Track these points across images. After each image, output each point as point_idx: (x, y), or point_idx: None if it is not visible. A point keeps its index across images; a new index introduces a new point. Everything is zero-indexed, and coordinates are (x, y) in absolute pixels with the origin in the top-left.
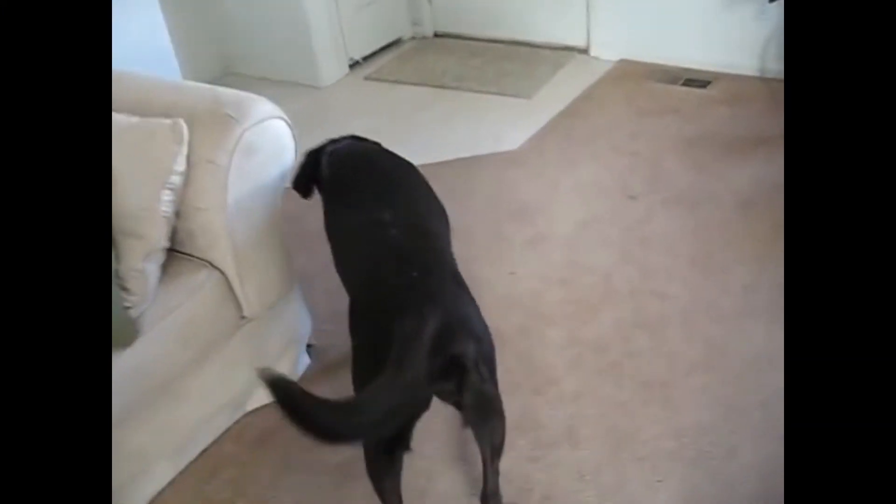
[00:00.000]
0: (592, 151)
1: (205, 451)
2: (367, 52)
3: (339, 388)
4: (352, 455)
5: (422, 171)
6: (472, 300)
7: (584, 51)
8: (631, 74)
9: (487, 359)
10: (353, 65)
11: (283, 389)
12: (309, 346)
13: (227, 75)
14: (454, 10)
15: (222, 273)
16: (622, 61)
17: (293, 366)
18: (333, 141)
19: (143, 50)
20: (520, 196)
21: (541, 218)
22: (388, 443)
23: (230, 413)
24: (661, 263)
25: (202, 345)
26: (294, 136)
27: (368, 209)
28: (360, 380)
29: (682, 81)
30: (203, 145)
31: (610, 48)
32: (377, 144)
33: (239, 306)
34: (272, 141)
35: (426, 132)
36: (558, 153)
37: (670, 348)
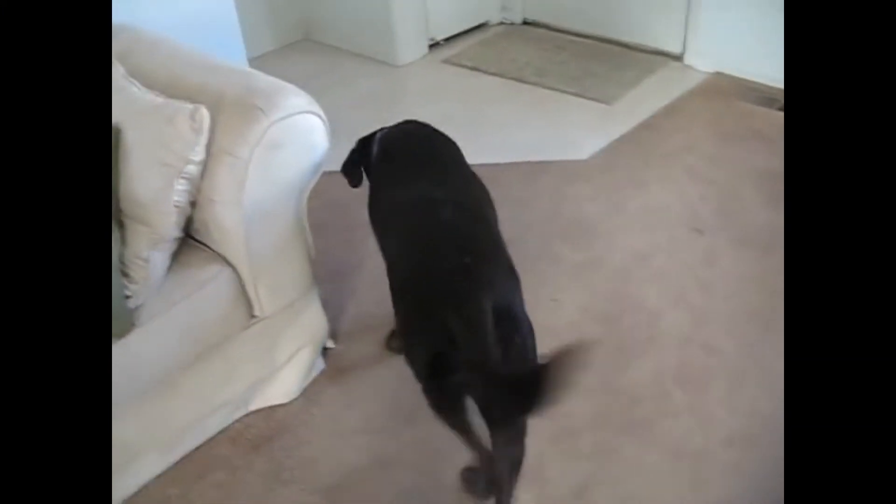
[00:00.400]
0: (666, 173)
1: (198, 448)
2: (450, 33)
3: (347, 397)
4: (347, 476)
5: (483, 172)
6: (520, 290)
7: (679, 58)
8: (724, 90)
9: (529, 353)
10: (434, 45)
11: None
12: (326, 349)
13: (306, 41)
14: None
15: (235, 269)
16: (717, 74)
17: (304, 370)
18: (384, 129)
19: (202, 18)
20: (579, 213)
21: (597, 241)
22: (445, 403)
23: (230, 411)
24: (717, 311)
25: (205, 341)
26: (328, 133)
27: (420, 186)
28: (412, 355)
29: (778, 105)
30: (225, 135)
31: (706, 58)
32: (428, 126)
33: (250, 305)
34: (301, 137)
35: (495, 128)
36: (629, 170)
37: (710, 412)
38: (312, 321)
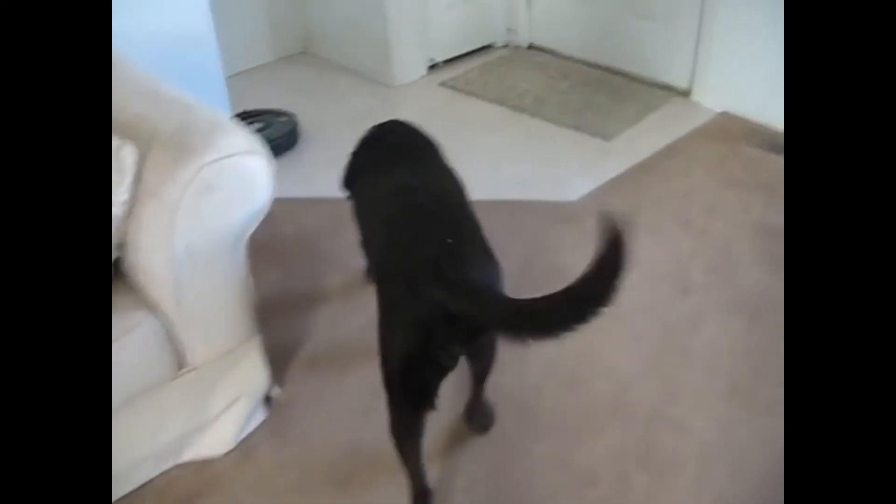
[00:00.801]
0: (657, 221)
1: (119, 501)
2: (451, 54)
3: (284, 452)
4: None
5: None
6: (501, 273)
7: (686, 94)
8: (729, 132)
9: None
10: (433, 66)
11: None
12: (269, 397)
13: (304, 53)
14: (553, 23)
15: (165, 316)
16: (724, 114)
17: (241, 421)
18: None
19: (178, 31)
20: (561, 260)
21: None
22: (415, 402)
23: (157, 463)
24: (693, 384)
25: (128, 390)
26: (273, 174)
27: (400, 175)
28: (386, 341)
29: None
30: (154, 176)
31: (714, 95)
32: (410, 124)
33: (181, 353)
34: (239, 180)
35: (484, 160)
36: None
37: (673, 501)
38: (252, 371)
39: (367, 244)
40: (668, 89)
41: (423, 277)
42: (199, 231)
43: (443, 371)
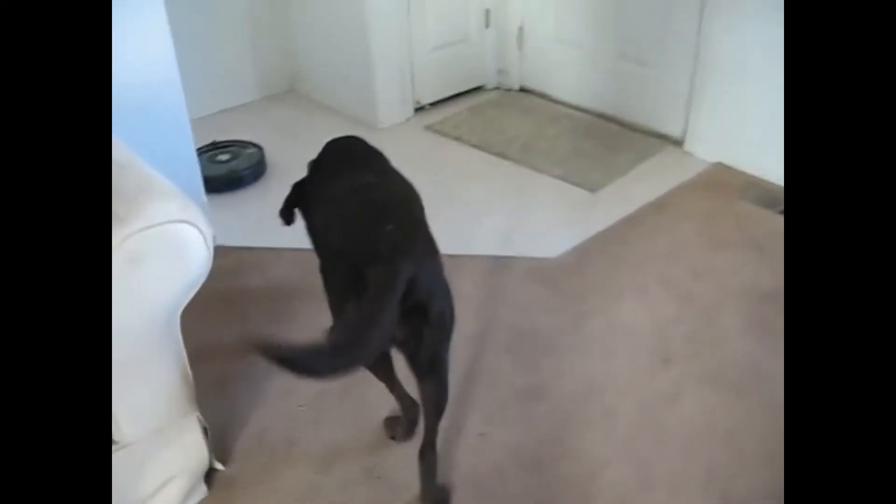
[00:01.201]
0: (640, 283)
1: None
2: (438, 97)
3: None
4: None
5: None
6: (442, 267)
7: (679, 143)
8: (722, 185)
9: (447, 322)
10: (420, 108)
11: (267, 349)
12: (214, 470)
13: (290, 92)
14: (545, 65)
15: None
16: (718, 165)
17: (175, 501)
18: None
19: (146, 72)
20: (532, 325)
21: (545, 362)
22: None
23: None
24: (669, 469)
25: None
26: (209, 243)
27: (349, 177)
28: (336, 325)
29: (779, 209)
30: None
31: (707, 145)
32: (357, 137)
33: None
34: (170, 250)
35: (462, 210)
36: (599, 276)
37: None
38: (188, 449)
39: (317, 239)
40: (662, 138)
41: (361, 262)
42: (127, 305)
43: (377, 346)
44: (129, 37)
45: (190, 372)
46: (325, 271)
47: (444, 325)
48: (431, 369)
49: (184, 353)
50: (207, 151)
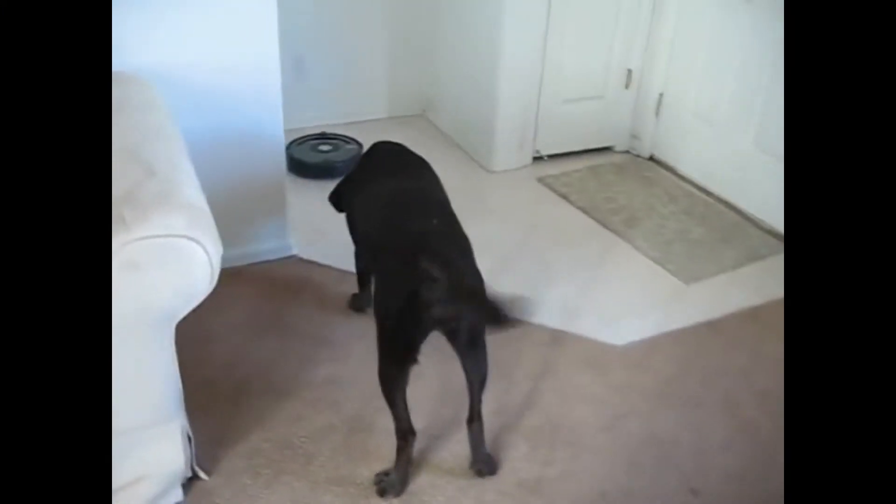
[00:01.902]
0: (698, 397)
1: None
2: (562, 150)
3: None
4: None
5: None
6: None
7: None
8: None
9: (481, 301)
10: (539, 158)
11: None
12: (196, 477)
13: (420, 117)
14: (678, 137)
15: None
16: None
17: (146, 498)
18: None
19: (252, 78)
20: (566, 414)
21: (562, 459)
22: (402, 355)
23: None
24: None
25: None
26: (213, 262)
27: (394, 181)
28: (384, 306)
29: None
30: None
31: None
32: (401, 144)
33: None
34: (170, 263)
35: (539, 272)
36: (657, 379)
37: None
38: (165, 453)
39: (364, 239)
40: (780, 239)
41: (414, 249)
42: (118, 308)
43: (425, 329)
44: (237, 18)
45: (179, 380)
46: (368, 257)
47: (479, 304)
48: (473, 345)
49: (174, 362)
50: (313, 140)
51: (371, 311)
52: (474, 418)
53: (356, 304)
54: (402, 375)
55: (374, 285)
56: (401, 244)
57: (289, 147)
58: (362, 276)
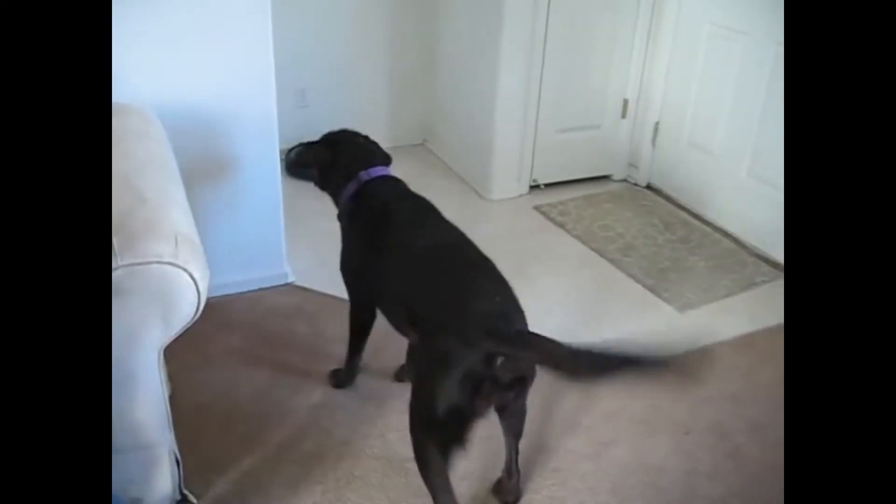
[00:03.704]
0: (686, 425)
1: None
2: (558, 178)
3: None
4: None
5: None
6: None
7: None
8: None
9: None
10: (535, 187)
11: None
12: (186, 501)
13: (421, 146)
14: (675, 166)
15: None
16: None
17: None
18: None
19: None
20: (553, 440)
21: (547, 485)
22: (450, 446)
23: None
24: None
25: None
26: (200, 289)
27: (425, 235)
28: (432, 388)
29: None
30: None
31: None
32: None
33: None
34: (156, 289)
35: (532, 301)
36: (645, 406)
37: None
38: (151, 477)
39: (395, 299)
40: (777, 267)
41: (476, 331)
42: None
43: (479, 418)
44: (234, 51)
45: (167, 404)
46: (396, 316)
47: (531, 381)
48: (520, 415)
49: (160, 386)
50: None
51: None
52: (513, 472)
53: (348, 380)
54: (447, 464)
55: (416, 359)
56: (460, 322)
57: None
58: (362, 336)
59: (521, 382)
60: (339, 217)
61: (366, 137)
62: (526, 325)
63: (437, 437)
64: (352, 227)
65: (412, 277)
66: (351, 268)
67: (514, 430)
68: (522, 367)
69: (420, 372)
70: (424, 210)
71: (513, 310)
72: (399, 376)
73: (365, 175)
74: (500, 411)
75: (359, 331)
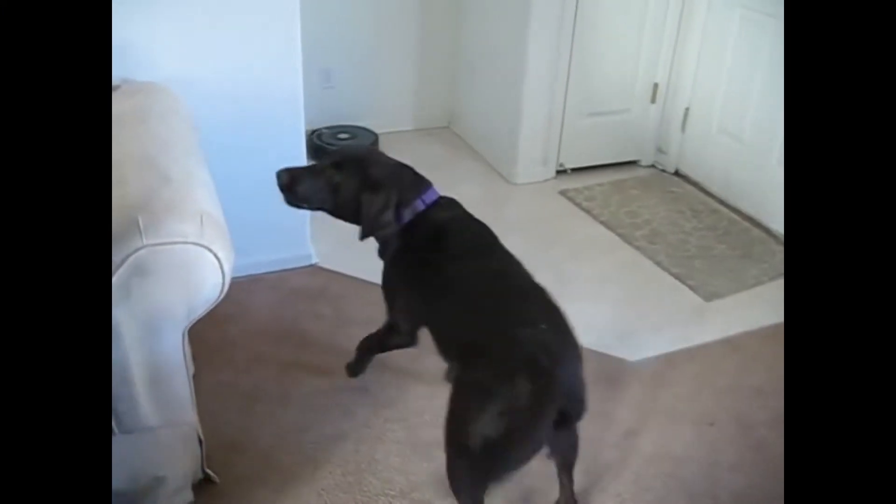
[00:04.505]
0: (710, 415)
1: None
2: (586, 163)
3: None
4: None
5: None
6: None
7: None
8: None
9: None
10: (562, 171)
11: None
12: (209, 479)
13: (446, 129)
14: (704, 153)
15: None
16: None
17: (164, 499)
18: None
19: (275, 89)
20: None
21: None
22: (480, 475)
23: None
24: None
25: None
26: (224, 269)
27: (482, 260)
28: (468, 418)
29: None
30: None
31: None
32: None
33: None
34: (180, 269)
35: (559, 288)
36: (669, 395)
37: None
38: (174, 456)
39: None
40: None
41: (518, 365)
42: (124, 308)
43: (524, 458)
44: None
45: (191, 384)
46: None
47: (578, 417)
48: (571, 449)
49: (186, 366)
50: (330, 129)
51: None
52: (568, 498)
53: (360, 369)
54: (483, 495)
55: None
56: (499, 352)
57: (309, 137)
58: (385, 350)
59: (564, 419)
60: (382, 254)
61: (381, 154)
62: (576, 354)
63: (470, 467)
64: (404, 260)
65: (460, 306)
66: (397, 293)
67: (565, 463)
68: (563, 401)
69: (454, 396)
70: (484, 238)
71: (560, 339)
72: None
73: (420, 204)
74: (551, 447)
75: (387, 348)
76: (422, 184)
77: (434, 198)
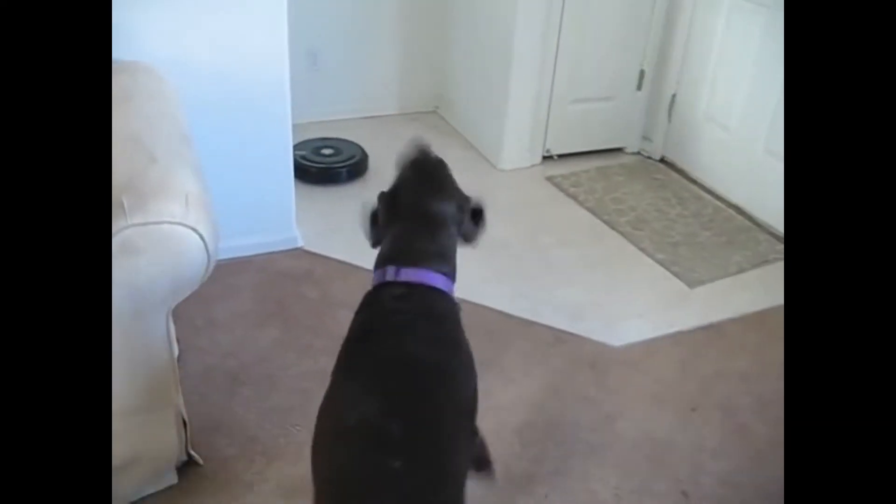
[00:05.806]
0: (694, 401)
1: None
2: (572, 150)
3: None
4: None
5: (497, 324)
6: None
7: None
8: None
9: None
10: (548, 157)
11: None
12: (192, 462)
13: (433, 114)
14: (689, 140)
15: None
16: None
17: (139, 480)
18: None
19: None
20: (560, 412)
21: (554, 457)
22: None
23: None
24: None
25: None
26: (209, 249)
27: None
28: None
29: None
30: None
31: None
32: None
33: None
34: (166, 248)
35: (545, 274)
36: (653, 380)
37: None
38: (159, 437)
39: None
40: None
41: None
42: (118, 290)
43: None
44: (247, 9)
45: (175, 364)
46: None
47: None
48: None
49: (170, 347)
50: (314, 143)
51: None
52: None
53: None
54: None
55: None
56: None
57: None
58: None
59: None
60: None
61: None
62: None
63: None
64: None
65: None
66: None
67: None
68: None
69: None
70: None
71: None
72: None
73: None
74: None
75: None
76: (422, 257)
77: (420, 279)
